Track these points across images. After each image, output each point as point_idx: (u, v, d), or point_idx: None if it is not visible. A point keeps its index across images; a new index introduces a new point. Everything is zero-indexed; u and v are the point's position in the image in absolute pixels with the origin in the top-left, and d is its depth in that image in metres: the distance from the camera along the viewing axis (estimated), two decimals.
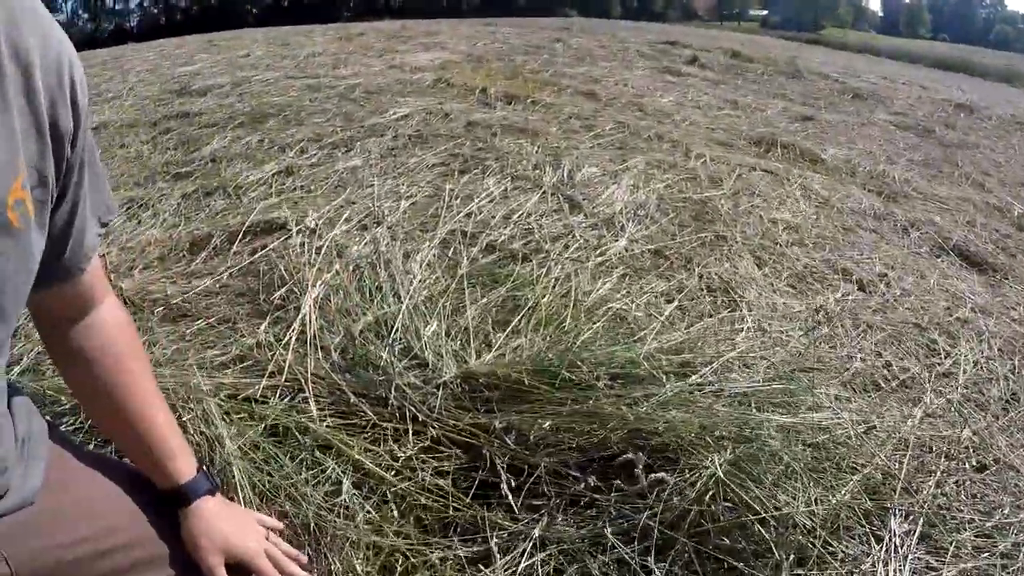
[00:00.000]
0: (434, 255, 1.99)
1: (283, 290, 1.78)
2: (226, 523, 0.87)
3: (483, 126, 3.52)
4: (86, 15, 50.68)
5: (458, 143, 3.18)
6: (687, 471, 1.09)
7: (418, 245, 2.05)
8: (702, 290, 1.97)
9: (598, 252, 2.12)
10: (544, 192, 2.57)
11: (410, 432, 1.22)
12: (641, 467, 1.08)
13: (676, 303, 1.84)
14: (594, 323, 1.52)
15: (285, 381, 1.38)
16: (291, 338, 1.52)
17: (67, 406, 1.30)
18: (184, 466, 0.86)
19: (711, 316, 1.81)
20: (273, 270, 1.89)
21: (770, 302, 1.94)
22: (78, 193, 0.70)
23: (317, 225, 2.14)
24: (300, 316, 1.60)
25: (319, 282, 1.76)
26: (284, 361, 1.43)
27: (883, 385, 1.60)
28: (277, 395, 1.34)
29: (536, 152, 3.08)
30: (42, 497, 0.72)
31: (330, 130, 3.43)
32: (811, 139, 4.22)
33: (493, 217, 2.32)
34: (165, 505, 0.82)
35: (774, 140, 3.89)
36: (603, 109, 4.32)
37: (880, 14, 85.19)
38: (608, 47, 8.39)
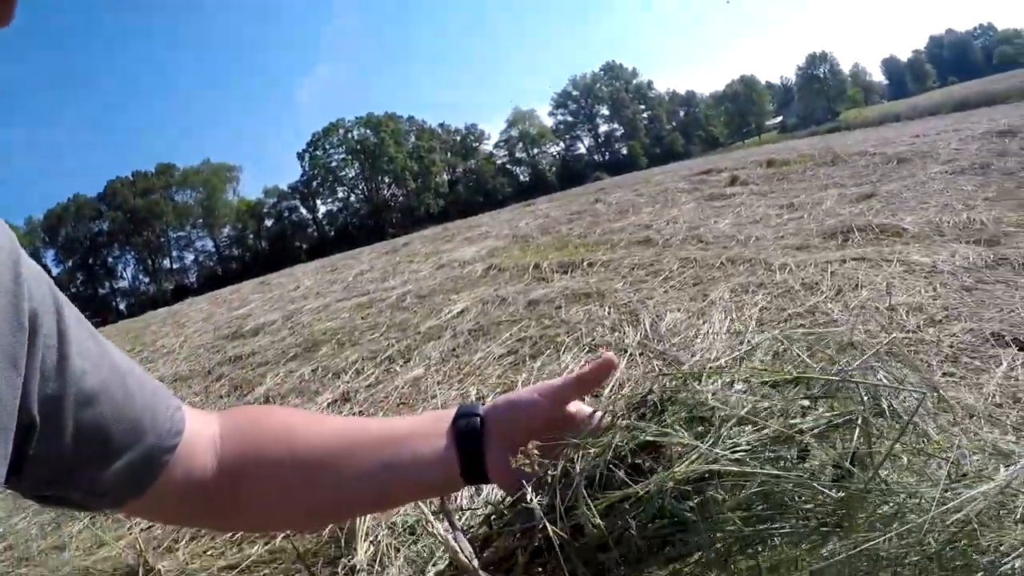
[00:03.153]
0: None
1: (345, 544, 1.55)
2: (523, 395, 0.75)
3: (544, 302, 3.39)
4: (146, 278, 55.43)
5: (522, 326, 3.02)
6: None
7: None
8: (861, 418, 1.70)
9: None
10: (631, 355, 2.36)
11: None
12: None
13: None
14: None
15: None
16: None
17: None
18: (438, 417, 0.74)
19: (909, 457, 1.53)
20: None
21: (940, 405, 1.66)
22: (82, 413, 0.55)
23: None
24: None
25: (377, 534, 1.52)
26: None
27: None
28: None
29: (608, 313, 2.91)
30: None
31: (385, 344, 3.34)
32: (882, 214, 4.00)
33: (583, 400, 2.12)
34: None
35: (848, 227, 3.68)
36: (663, 251, 4.20)
37: (885, 82, 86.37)
38: (647, 193, 8.49)
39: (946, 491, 0.68)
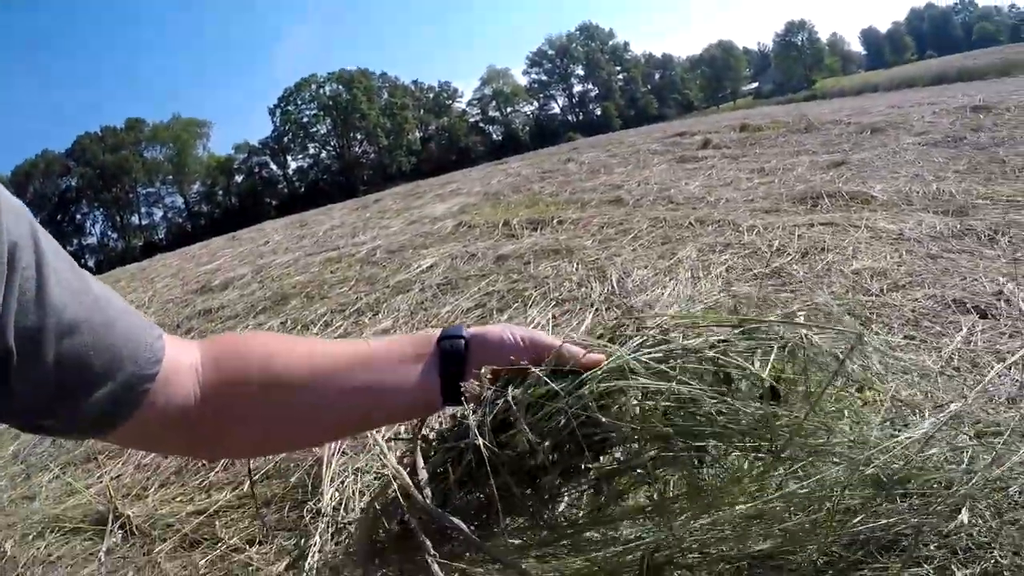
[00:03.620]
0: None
1: (312, 489, 1.55)
2: (514, 339, 0.73)
3: (514, 257, 3.40)
4: (115, 235, 54.11)
5: (490, 280, 3.04)
6: None
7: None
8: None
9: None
10: (597, 310, 2.37)
11: None
12: None
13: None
14: None
15: None
16: (314, 550, 1.29)
17: None
18: (421, 338, 0.73)
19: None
20: (300, 467, 1.67)
21: (899, 365, 1.68)
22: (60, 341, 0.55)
23: None
24: (323, 523, 1.37)
25: (343, 477, 1.52)
26: None
27: None
28: None
29: (576, 269, 2.92)
30: None
31: (354, 297, 3.35)
32: (852, 181, 4.02)
33: None
34: None
35: (817, 193, 3.70)
36: (633, 211, 4.20)
37: (863, 52, 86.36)
38: (619, 154, 8.46)
39: (879, 431, 0.72)
